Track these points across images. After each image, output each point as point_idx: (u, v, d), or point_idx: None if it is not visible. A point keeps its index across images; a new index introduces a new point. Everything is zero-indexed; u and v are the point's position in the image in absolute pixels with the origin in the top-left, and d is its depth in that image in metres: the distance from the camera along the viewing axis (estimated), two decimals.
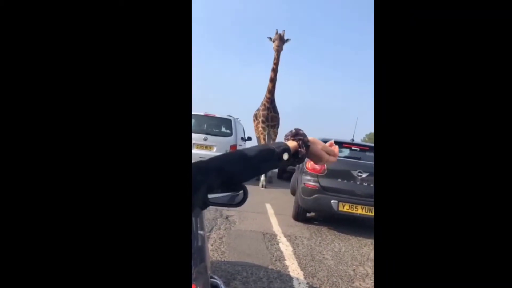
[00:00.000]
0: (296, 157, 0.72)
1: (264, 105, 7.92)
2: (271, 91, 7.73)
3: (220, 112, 7.69)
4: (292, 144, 0.71)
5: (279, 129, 8.41)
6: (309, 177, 4.05)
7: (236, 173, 0.64)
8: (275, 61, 7.70)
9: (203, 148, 6.87)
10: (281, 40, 7.60)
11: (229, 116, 7.59)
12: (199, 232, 1.09)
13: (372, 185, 3.81)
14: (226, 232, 3.53)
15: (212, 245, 3.04)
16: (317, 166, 3.88)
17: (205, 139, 6.91)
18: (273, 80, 7.70)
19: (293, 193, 5.81)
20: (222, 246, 3.08)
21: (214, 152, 6.81)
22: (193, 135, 6.63)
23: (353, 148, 4.51)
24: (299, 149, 0.71)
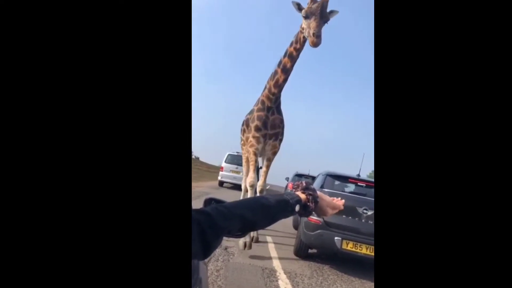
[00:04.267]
0: (305, 209, 0.77)
1: (263, 102, 4.00)
2: (279, 85, 3.82)
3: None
4: (302, 196, 0.76)
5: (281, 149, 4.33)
6: None
7: (255, 222, 0.68)
8: (299, 45, 3.58)
9: (235, 172, 12.39)
10: (322, 17, 3.18)
11: None
12: (202, 262, 1.02)
13: None
14: (224, 264, 3.37)
15: (209, 277, 2.89)
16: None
17: (236, 168, 12.29)
18: (287, 71, 3.74)
19: (295, 227, 5.64)
20: (219, 279, 2.92)
21: (241, 175, 10.64)
22: (230, 165, 12.73)
23: (359, 184, 4.41)
24: (308, 203, 0.76)
